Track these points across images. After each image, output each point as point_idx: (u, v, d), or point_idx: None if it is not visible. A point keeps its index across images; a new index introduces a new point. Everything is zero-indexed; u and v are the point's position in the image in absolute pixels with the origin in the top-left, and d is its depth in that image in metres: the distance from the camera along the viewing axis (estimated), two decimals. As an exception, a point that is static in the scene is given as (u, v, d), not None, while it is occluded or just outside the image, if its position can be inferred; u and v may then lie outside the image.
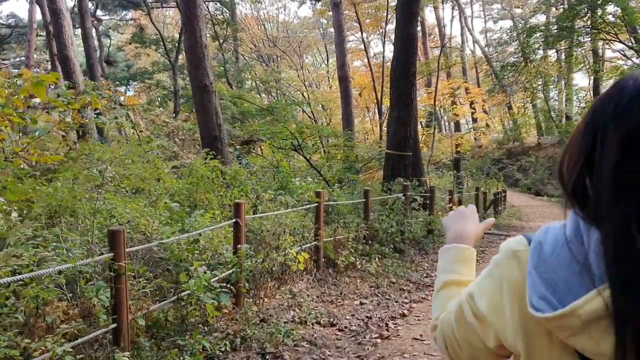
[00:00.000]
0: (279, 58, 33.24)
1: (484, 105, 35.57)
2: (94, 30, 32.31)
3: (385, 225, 7.71)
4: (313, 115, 28.52)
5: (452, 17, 44.47)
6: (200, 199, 6.44)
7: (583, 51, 27.65)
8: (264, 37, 32.87)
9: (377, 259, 7.05)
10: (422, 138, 27.94)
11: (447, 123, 41.16)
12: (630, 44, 18.78)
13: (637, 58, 18.79)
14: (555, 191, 26.79)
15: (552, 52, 32.88)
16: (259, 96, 33.24)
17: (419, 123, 28.80)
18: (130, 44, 28.17)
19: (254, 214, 5.92)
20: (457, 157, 29.21)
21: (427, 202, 10.03)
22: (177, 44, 19.77)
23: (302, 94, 28.26)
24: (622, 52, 22.28)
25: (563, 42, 27.62)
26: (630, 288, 0.67)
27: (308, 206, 6.49)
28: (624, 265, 0.68)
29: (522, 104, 33.36)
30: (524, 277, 0.78)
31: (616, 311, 0.67)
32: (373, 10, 26.16)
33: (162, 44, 20.91)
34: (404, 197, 8.65)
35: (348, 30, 37.12)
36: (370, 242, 7.33)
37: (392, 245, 7.75)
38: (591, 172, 0.75)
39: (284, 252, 5.34)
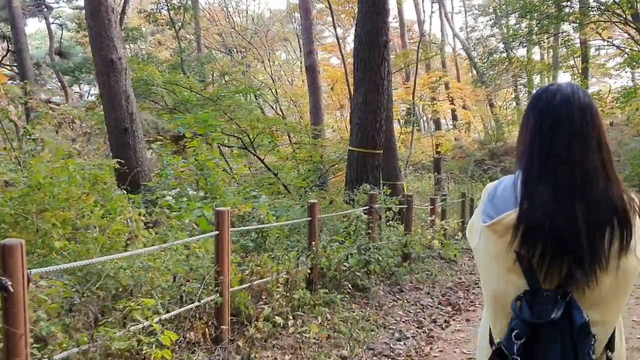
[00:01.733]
0: (246, 50, 30.67)
1: (464, 102, 33.45)
2: (44, 19, 29.56)
3: (340, 257, 5.22)
4: (282, 112, 25.96)
5: (432, 11, 42.35)
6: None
7: (568, 47, 25.87)
8: (231, 28, 30.28)
9: (323, 313, 4.55)
10: (400, 137, 25.67)
11: (426, 123, 38.97)
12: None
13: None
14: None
15: (536, 49, 31.15)
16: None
17: (395, 119, 26.59)
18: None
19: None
20: (438, 157, 27.01)
21: (403, 214, 7.59)
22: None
23: (270, 89, 25.65)
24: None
25: (546, 37, 25.99)
26: (526, 208, 1.28)
27: (203, 236, 3.93)
28: (525, 194, 1.30)
29: (505, 102, 31.27)
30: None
31: (518, 218, 1.27)
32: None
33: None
34: (366, 213, 6.16)
35: (323, 25, 34.82)
36: (314, 284, 4.84)
37: (349, 285, 5.27)
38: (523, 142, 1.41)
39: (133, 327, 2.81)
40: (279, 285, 4.29)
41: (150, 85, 11.11)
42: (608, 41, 20.62)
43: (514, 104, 34.39)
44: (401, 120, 25.42)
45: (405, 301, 5.78)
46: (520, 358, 1.23)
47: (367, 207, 6.23)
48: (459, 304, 5.91)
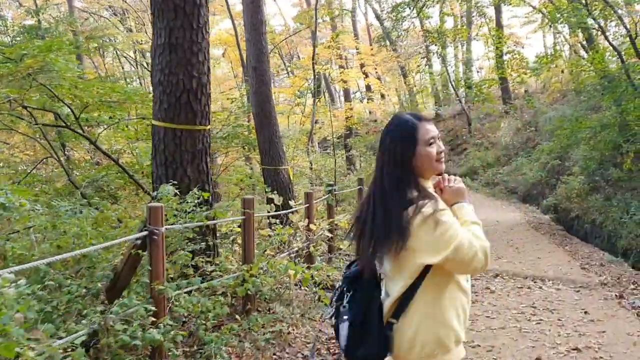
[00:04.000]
0: (126, 13, 26.48)
1: (377, 73, 31.12)
2: None
3: None
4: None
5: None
6: None
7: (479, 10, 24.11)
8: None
9: None
10: (305, 110, 22.77)
11: (343, 97, 36.42)
12: None
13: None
14: (458, 169, 23.00)
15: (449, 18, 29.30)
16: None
17: (296, 91, 23.60)
18: None
19: None
20: (348, 132, 24.43)
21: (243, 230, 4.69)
22: None
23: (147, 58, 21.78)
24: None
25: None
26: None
27: None
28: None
29: (418, 68, 29.12)
30: None
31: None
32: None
33: None
34: (141, 243, 3.19)
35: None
36: None
37: None
38: None
39: None
40: None
41: None
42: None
43: (427, 73, 32.67)
44: (305, 92, 22.52)
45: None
46: (337, 298, 1.93)
47: (142, 232, 3.25)
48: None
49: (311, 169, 16.31)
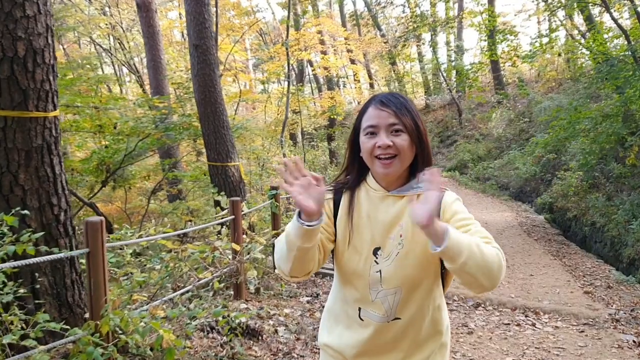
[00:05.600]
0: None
1: (365, 57, 29.55)
2: None
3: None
4: (135, 68, 20.47)
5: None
6: None
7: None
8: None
9: None
10: (282, 99, 21.18)
11: (337, 85, 34.80)
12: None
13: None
14: (447, 162, 21.60)
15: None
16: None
17: (274, 77, 21.76)
18: None
19: None
20: (329, 123, 22.93)
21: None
22: None
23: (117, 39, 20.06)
24: None
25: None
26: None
27: None
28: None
29: (408, 56, 27.64)
30: None
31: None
32: None
33: None
34: None
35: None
36: None
37: None
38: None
39: None
40: None
41: None
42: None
43: (417, 62, 31.25)
44: (283, 79, 20.97)
45: None
46: None
47: None
48: None
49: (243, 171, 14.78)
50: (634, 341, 4.26)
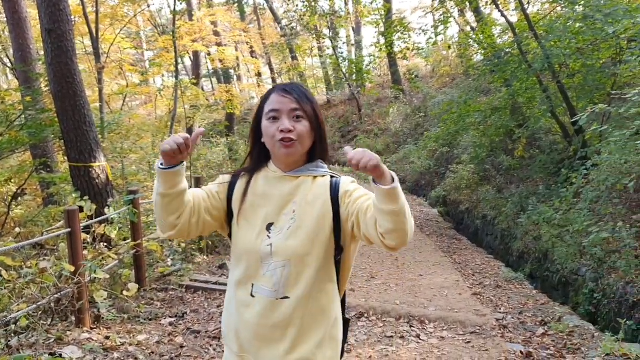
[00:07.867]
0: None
1: (266, 52, 28.70)
2: None
3: None
4: (8, 59, 18.09)
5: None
6: None
7: None
8: None
9: None
10: (184, 95, 19.77)
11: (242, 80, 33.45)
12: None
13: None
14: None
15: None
16: None
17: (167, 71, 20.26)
18: None
19: None
20: (230, 118, 21.86)
21: None
22: None
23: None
24: None
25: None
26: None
27: None
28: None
29: (305, 50, 27.18)
30: None
31: None
32: None
33: None
34: None
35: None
36: None
37: None
38: None
39: None
40: None
41: None
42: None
43: (318, 57, 30.93)
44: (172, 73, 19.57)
45: None
46: None
47: None
48: None
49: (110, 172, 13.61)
50: (521, 352, 3.84)
